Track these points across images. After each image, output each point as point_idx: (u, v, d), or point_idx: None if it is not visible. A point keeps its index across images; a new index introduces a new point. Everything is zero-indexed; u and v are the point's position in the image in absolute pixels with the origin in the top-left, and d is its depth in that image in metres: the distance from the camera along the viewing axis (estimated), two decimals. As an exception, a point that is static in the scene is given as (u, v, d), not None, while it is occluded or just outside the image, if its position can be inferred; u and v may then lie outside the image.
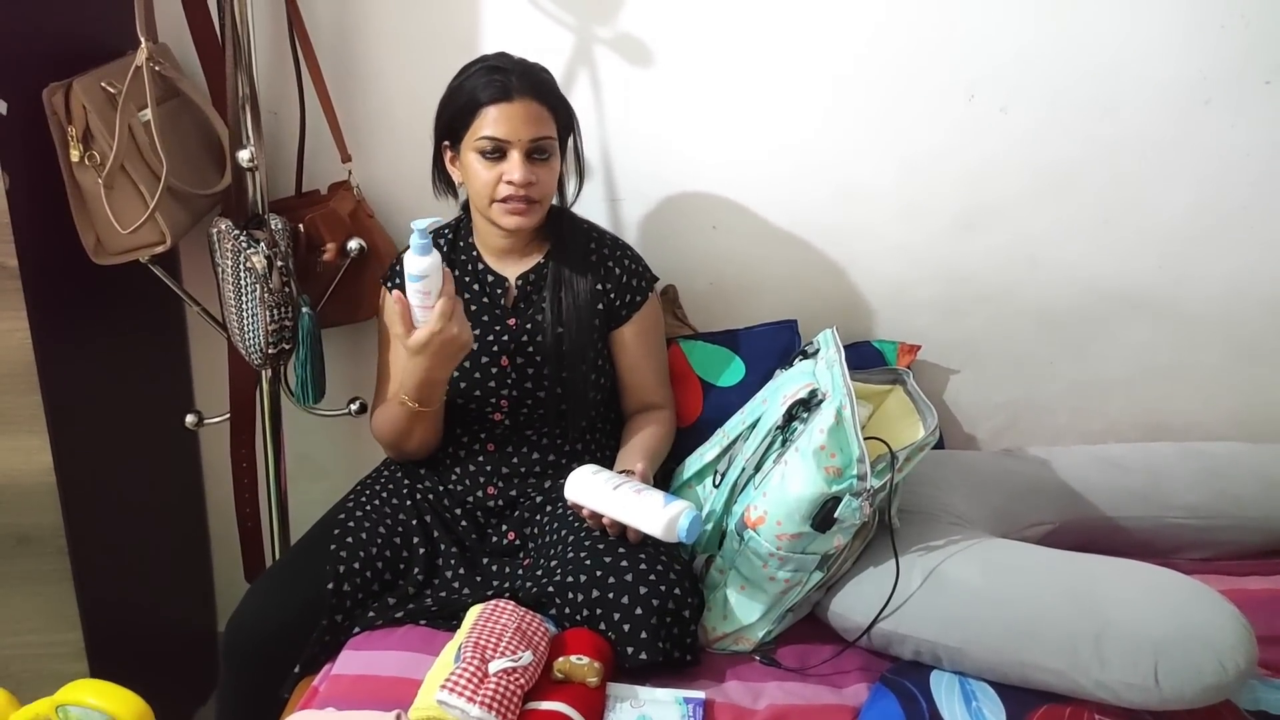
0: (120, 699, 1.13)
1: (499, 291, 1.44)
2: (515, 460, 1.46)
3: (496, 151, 1.33)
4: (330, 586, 1.30)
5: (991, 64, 1.54)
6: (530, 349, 1.43)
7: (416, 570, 1.37)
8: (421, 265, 1.24)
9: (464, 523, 1.45)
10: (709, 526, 1.37)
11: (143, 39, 1.32)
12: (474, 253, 1.46)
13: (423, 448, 1.46)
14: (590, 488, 1.31)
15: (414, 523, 1.41)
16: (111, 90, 1.33)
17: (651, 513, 1.25)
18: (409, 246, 1.25)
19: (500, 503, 1.46)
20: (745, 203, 1.65)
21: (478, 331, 1.43)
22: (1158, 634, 1.12)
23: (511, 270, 1.45)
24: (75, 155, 1.31)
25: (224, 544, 1.86)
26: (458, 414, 1.44)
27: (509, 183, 1.33)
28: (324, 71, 1.52)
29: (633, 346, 1.49)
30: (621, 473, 1.34)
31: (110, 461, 1.55)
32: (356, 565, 1.33)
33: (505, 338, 1.43)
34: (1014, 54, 1.54)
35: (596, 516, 1.30)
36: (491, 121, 1.32)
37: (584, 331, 1.44)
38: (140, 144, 1.35)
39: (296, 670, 1.28)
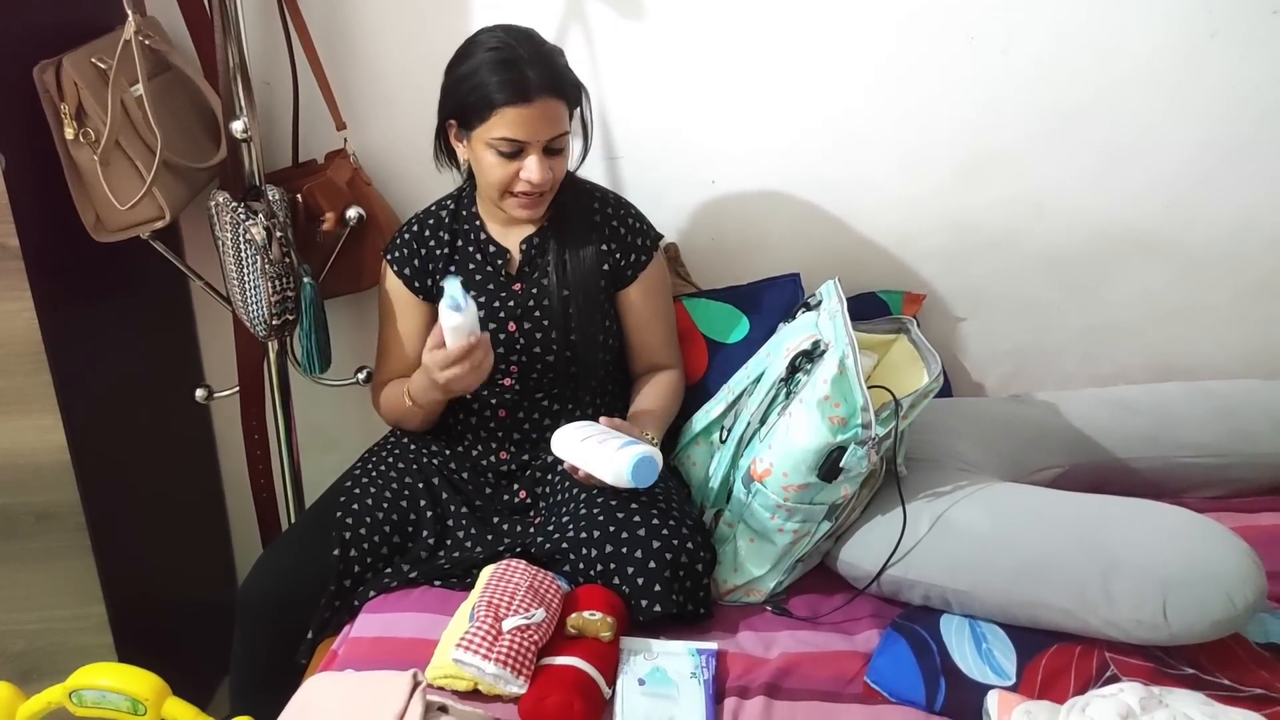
0: (135, 678, 1.14)
1: (500, 261, 1.44)
2: (526, 425, 1.46)
3: (513, 150, 1.30)
4: (337, 553, 1.32)
5: (991, 4, 1.51)
6: (537, 313, 1.43)
7: (426, 533, 1.38)
8: (452, 321, 1.26)
9: (473, 484, 1.46)
10: (715, 484, 1.38)
11: (130, 12, 1.31)
12: (477, 222, 1.46)
13: (423, 428, 1.50)
14: (566, 442, 1.33)
15: (421, 486, 1.42)
16: (102, 66, 1.32)
17: (605, 459, 1.26)
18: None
19: (513, 466, 1.47)
20: (744, 157, 1.63)
21: (483, 299, 1.43)
22: (1165, 571, 1.12)
23: (514, 237, 1.45)
24: (70, 133, 1.31)
25: (240, 515, 1.88)
26: None
27: (527, 180, 1.31)
28: (315, 39, 1.51)
29: (639, 307, 1.49)
30: (598, 423, 1.35)
31: (124, 437, 1.57)
32: (363, 531, 1.34)
33: (511, 303, 1.43)
34: (1014, -9, 1.51)
35: (575, 469, 1.32)
36: (509, 123, 1.28)
37: (590, 294, 1.43)
38: (134, 119, 1.35)
39: (310, 636, 1.31)
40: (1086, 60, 1.54)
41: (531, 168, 1.31)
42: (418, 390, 1.39)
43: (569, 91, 1.33)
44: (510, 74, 1.27)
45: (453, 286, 1.24)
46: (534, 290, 1.43)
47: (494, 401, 1.47)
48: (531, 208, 1.36)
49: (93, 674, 1.15)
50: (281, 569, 1.34)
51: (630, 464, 1.23)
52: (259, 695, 1.33)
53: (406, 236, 1.47)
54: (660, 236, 1.52)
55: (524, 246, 1.44)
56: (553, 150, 1.32)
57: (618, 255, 1.46)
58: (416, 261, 1.45)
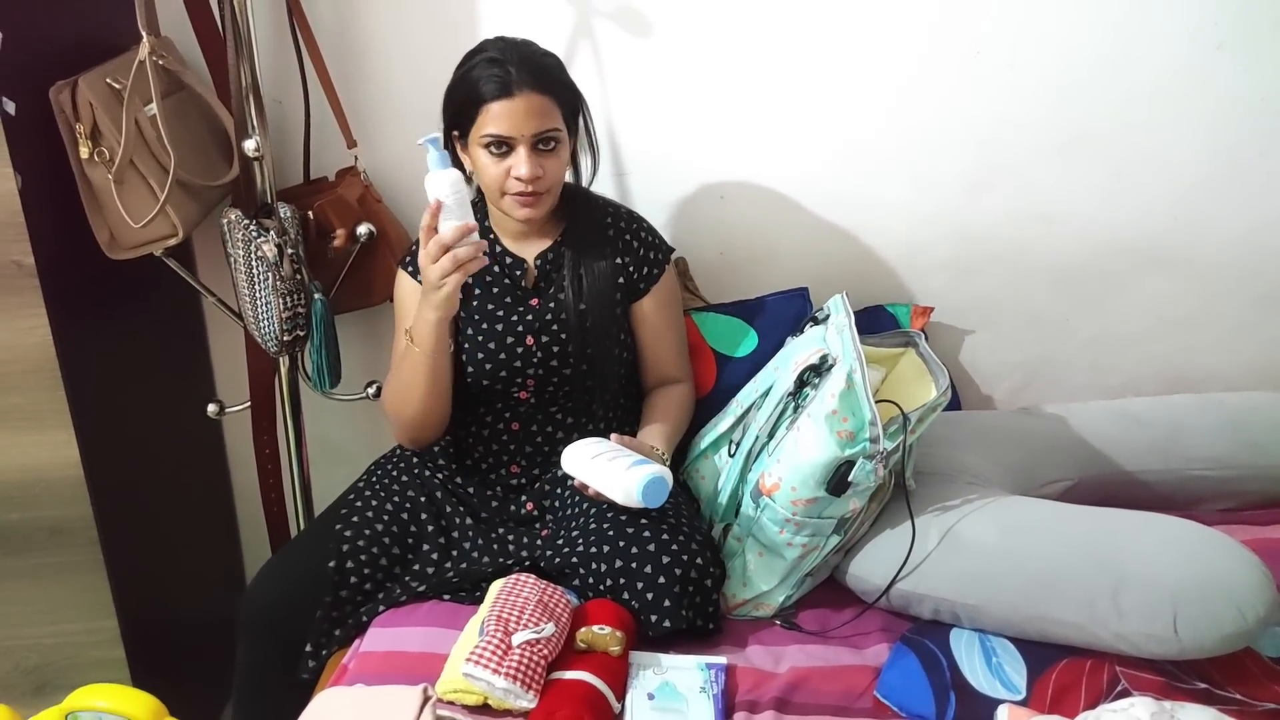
0: (131, 698, 1.14)
1: (519, 273, 1.45)
2: (539, 438, 1.47)
3: (502, 147, 1.31)
4: (333, 565, 1.32)
5: (997, 17, 1.52)
6: (555, 327, 1.43)
7: (427, 546, 1.38)
8: (431, 182, 1.28)
9: (479, 497, 1.46)
10: (724, 498, 1.38)
11: (144, 33, 1.33)
12: (491, 235, 1.46)
13: (425, 421, 1.42)
14: (577, 459, 1.33)
15: (423, 500, 1.43)
16: (116, 86, 1.34)
17: (615, 478, 1.26)
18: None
19: (523, 480, 1.48)
20: (752, 171, 1.64)
21: (500, 314, 1.43)
22: (1175, 584, 1.12)
23: (530, 251, 1.45)
24: (85, 152, 1.32)
25: (252, 529, 1.89)
26: (483, 394, 1.45)
27: (517, 178, 1.31)
28: (326, 58, 1.53)
29: (652, 319, 1.49)
30: (609, 440, 1.35)
31: (137, 452, 1.58)
32: (361, 544, 1.34)
33: (530, 318, 1.43)
34: (1020, 6, 1.51)
35: (585, 487, 1.32)
36: (494, 118, 1.30)
37: (606, 308, 1.44)
38: (148, 138, 1.37)
39: (309, 649, 1.31)
40: (1093, 73, 1.55)
41: (519, 162, 1.31)
42: (415, 324, 1.35)
43: (556, 90, 1.33)
44: (494, 70, 1.30)
45: (432, 143, 1.27)
46: (551, 305, 1.43)
47: (508, 415, 1.47)
48: (529, 207, 1.35)
49: (89, 695, 1.14)
50: (283, 579, 1.34)
51: (641, 484, 1.24)
52: (263, 707, 1.34)
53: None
54: (672, 249, 1.53)
55: (539, 262, 1.45)
56: (543, 148, 1.32)
57: (631, 269, 1.47)
58: None
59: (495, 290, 1.45)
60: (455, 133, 1.38)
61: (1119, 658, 1.16)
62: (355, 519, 1.37)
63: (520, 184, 1.32)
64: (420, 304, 1.33)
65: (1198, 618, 1.10)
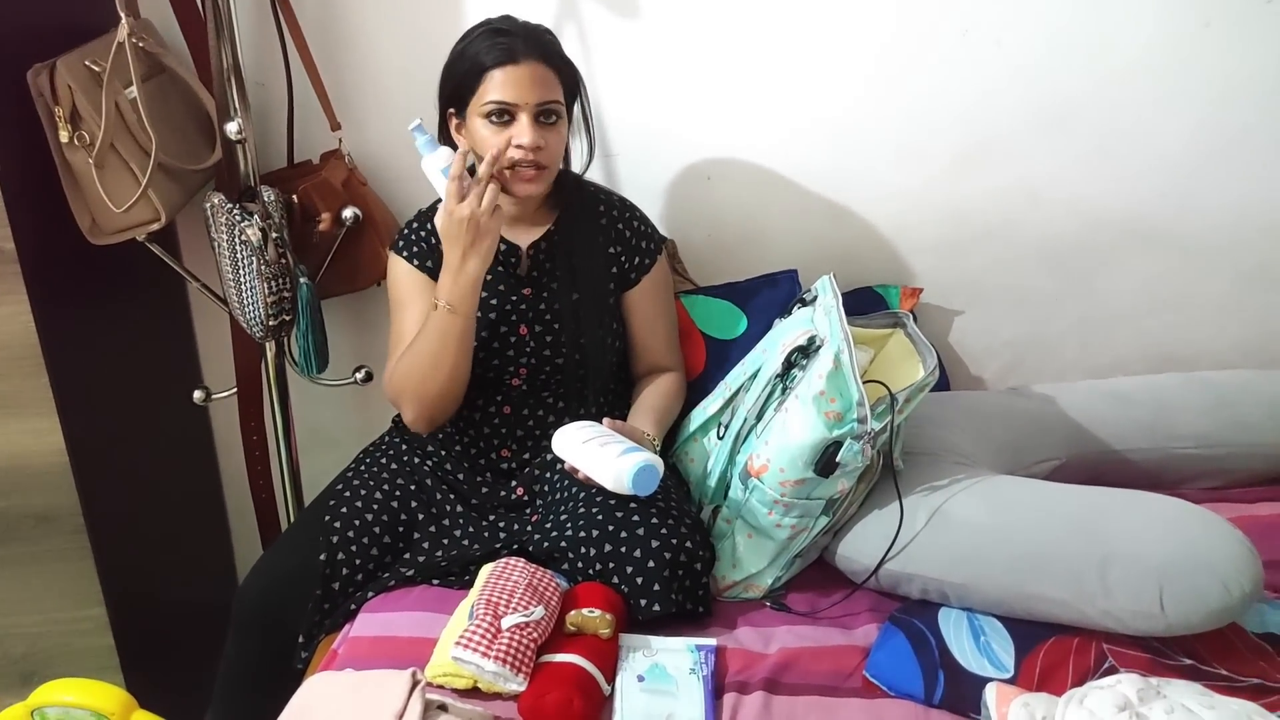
0: (99, 692, 1.13)
1: (513, 260, 1.44)
2: (530, 423, 1.47)
3: (504, 116, 1.30)
4: (323, 557, 1.32)
5: (984, -4, 1.52)
6: (548, 316, 1.43)
7: (418, 535, 1.38)
8: (429, 165, 1.30)
9: (468, 483, 1.46)
10: (713, 480, 1.38)
11: (123, 15, 1.31)
12: None
13: (448, 393, 1.37)
14: (568, 443, 1.33)
15: (413, 488, 1.42)
16: (96, 68, 1.33)
17: (606, 464, 1.27)
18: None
19: (513, 465, 1.48)
20: (740, 152, 1.63)
21: (494, 301, 1.43)
22: (1162, 560, 1.13)
23: (523, 238, 1.44)
24: (64, 136, 1.31)
25: (240, 515, 1.89)
26: (475, 380, 1.44)
27: (519, 146, 1.30)
28: (309, 40, 1.51)
29: (644, 308, 1.49)
30: (601, 424, 1.35)
31: (122, 439, 1.57)
32: (351, 535, 1.34)
33: (523, 306, 1.42)
34: (1007, -15, 1.51)
35: (575, 470, 1.32)
36: (498, 85, 1.29)
37: (600, 297, 1.44)
38: (128, 121, 1.35)
39: (301, 639, 1.31)
40: (1080, 51, 1.54)
41: (522, 130, 1.30)
42: (453, 290, 1.32)
43: (558, 62, 1.34)
44: (499, 39, 1.30)
45: (420, 131, 1.29)
46: (545, 294, 1.43)
47: (499, 399, 1.46)
48: (529, 182, 1.33)
49: (55, 690, 1.14)
50: (274, 573, 1.34)
51: (631, 472, 1.24)
52: (249, 699, 1.33)
53: (415, 226, 1.46)
54: (664, 239, 1.52)
55: (531, 250, 1.44)
56: (544, 121, 1.32)
57: (623, 258, 1.46)
58: (427, 247, 1.44)
59: (489, 278, 1.43)
60: (451, 110, 1.37)
61: (1106, 635, 1.17)
62: (344, 509, 1.36)
63: (521, 153, 1.30)
64: (455, 270, 1.30)
65: (1184, 594, 1.11)
